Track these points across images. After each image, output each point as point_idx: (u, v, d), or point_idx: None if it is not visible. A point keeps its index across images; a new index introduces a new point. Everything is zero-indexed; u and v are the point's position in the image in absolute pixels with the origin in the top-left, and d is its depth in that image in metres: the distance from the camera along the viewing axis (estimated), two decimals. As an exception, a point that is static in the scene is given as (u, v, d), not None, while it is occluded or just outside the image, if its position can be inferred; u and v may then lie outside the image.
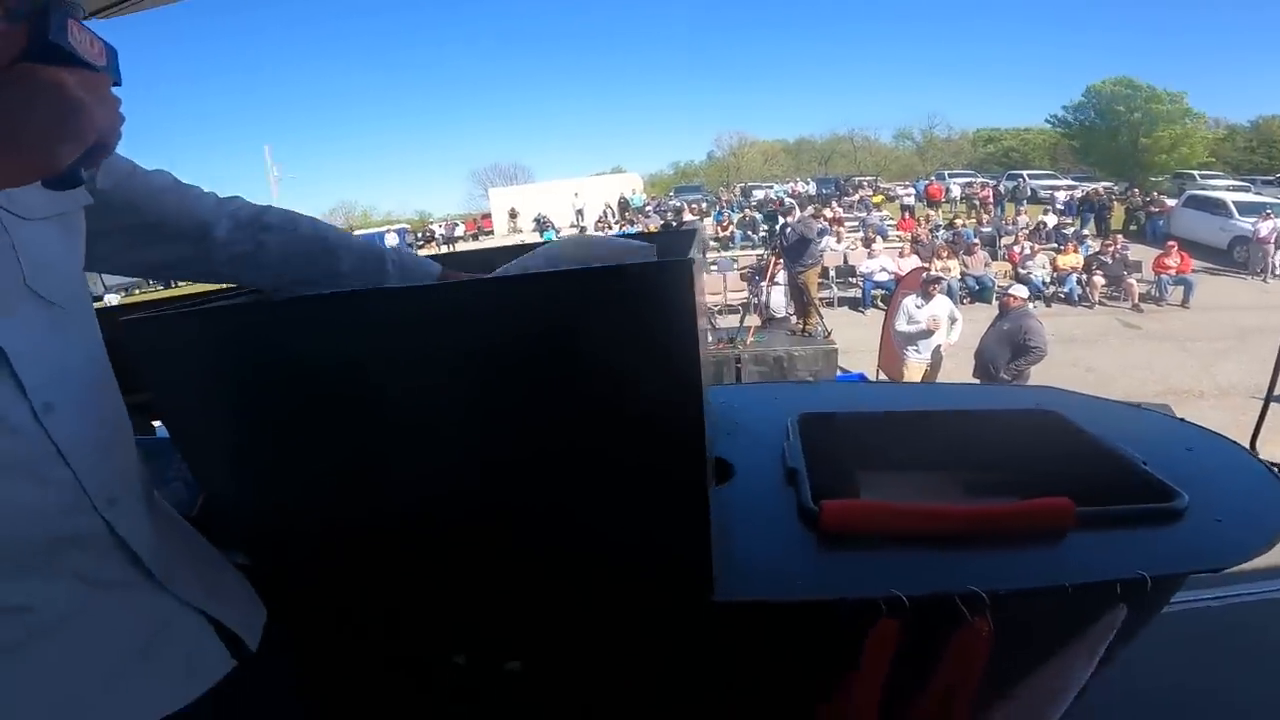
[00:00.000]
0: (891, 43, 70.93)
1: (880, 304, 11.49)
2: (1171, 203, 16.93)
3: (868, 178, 29.47)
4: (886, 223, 18.40)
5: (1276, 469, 1.19)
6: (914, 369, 6.41)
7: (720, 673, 1.02)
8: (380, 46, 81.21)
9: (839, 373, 6.98)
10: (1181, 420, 1.47)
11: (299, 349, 0.85)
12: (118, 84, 0.53)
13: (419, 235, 31.25)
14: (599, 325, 0.77)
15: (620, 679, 1.04)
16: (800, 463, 1.19)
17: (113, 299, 22.92)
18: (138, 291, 28.47)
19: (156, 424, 1.65)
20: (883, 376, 7.14)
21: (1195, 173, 23.98)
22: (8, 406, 0.55)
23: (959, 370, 6.42)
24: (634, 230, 20.28)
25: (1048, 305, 11.70)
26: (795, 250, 7.25)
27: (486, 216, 32.55)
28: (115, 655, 0.62)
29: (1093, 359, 8.91)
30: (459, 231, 30.23)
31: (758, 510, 1.11)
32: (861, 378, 6.72)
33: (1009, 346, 5.67)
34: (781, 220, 7.78)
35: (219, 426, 0.92)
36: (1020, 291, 6.08)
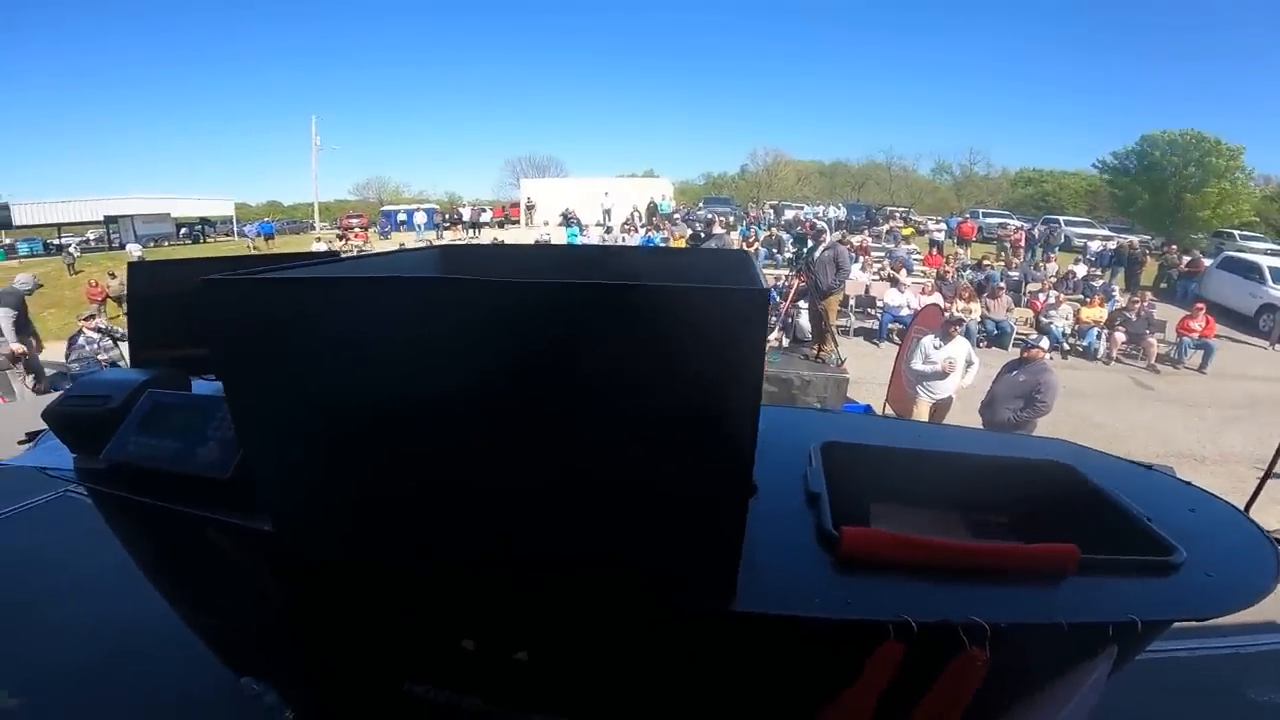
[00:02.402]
0: (941, 73, 70.58)
1: (895, 338, 11.46)
2: (1208, 263, 16.60)
3: (900, 208, 29.25)
4: (913, 257, 18.30)
5: (1269, 533, 1.26)
6: (923, 407, 6.41)
7: (727, 678, 1.08)
8: (429, 34, 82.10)
9: (847, 402, 7.00)
10: (1187, 483, 1.54)
11: (366, 327, 0.90)
12: None
13: (446, 216, 31.50)
14: (675, 339, 0.82)
15: (631, 676, 1.11)
16: (822, 487, 1.25)
17: (135, 249, 23.20)
18: (168, 244, 29.01)
19: (195, 380, 1.73)
20: (889, 410, 7.14)
21: (1235, 232, 23.41)
22: None
23: (966, 412, 6.42)
24: (659, 236, 20.33)
25: (1064, 357, 11.62)
26: (823, 276, 7.26)
27: (515, 205, 32.72)
28: None
29: (1101, 415, 8.86)
30: (485, 217, 30.43)
31: (777, 529, 1.17)
32: (868, 410, 6.73)
33: (1021, 397, 5.66)
34: (811, 243, 7.75)
35: (276, 392, 0.97)
36: (1045, 344, 6.07)
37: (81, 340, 8.04)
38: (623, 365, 0.84)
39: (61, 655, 2.19)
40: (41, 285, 8.55)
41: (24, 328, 7.66)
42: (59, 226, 29.93)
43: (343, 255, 1.63)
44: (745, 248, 17.70)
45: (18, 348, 7.29)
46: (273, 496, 1.08)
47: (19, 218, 28.06)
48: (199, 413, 1.32)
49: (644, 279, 0.85)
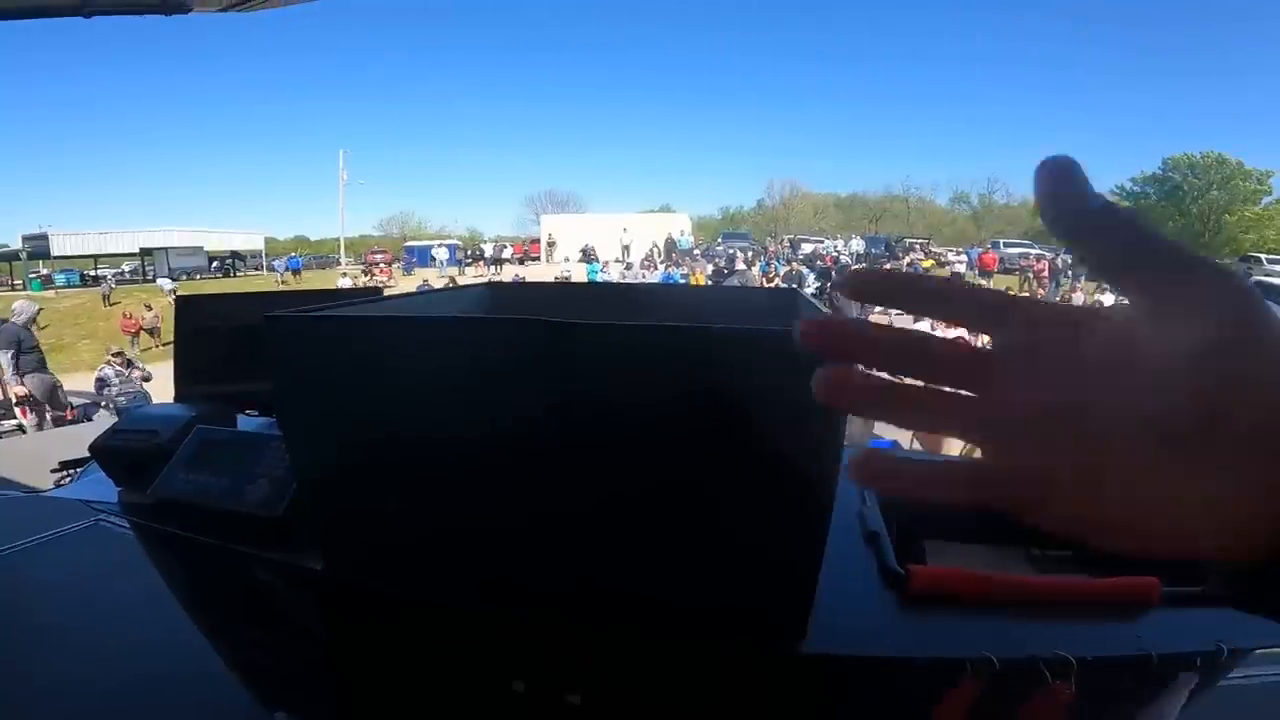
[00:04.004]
0: (957, 102, 71.29)
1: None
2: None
3: (919, 240, 29.22)
4: (934, 289, 18.15)
5: None
6: (953, 442, 6.31)
7: None
8: (454, 72, 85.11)
9: (873, 438, 6.90)
10: None
11: (431, 365, 0.90)
12: None
13: (468, 253, 32.08)
14: (761, 381, 0.80)
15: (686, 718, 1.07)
16: (880, 525, 1.23)
17: (166, 284, 23.77)
18: (199, 277, 29.79)
19: (240, 415, 1.73)
20: (916, 445, 7.03)
21: (1262, 256, 22.92)
22: None
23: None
24: (679, 273, 20.48)
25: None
26: (848, 311, 7.28)
27: (535, 242, 33.24)
28: None
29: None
30: (507, 253, 30.92)
31: (836, 569, 1.13)
32: (893, 445, 6.62)
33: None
34: (836, 277, 7.79)
35: (337, 427, 0.95)
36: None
37: (112, 376, 8.22)
38: (705, 405, 0.83)
39: (93, 678, 2.20)
40: (41, 309, 8.18)
41: (32, 360, 7.16)
42: (95, 258, 30.80)
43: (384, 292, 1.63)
44: (764, 283, 17.77)
45: (20, 390, 6.93)
46: (328, 534, 1.07)
47: (57, 248, 28.61)
48: (248, 449, 1.29)
49: (704, 319, 0.85)
